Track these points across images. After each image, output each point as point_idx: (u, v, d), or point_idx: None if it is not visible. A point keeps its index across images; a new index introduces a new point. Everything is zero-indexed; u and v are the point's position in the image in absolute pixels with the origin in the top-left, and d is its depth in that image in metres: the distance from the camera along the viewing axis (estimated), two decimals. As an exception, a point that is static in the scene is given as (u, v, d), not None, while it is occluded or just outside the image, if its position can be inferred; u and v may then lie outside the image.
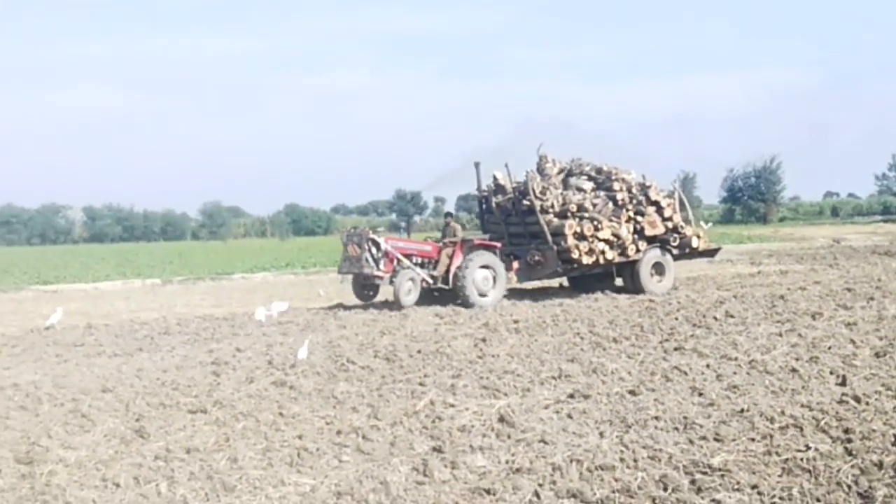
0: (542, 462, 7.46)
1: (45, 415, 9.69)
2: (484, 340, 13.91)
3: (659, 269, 21.83)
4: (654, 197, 22.04)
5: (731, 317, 15.63)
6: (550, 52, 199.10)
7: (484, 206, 22.86)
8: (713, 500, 6.49)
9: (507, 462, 7.54)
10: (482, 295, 19.80)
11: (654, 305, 18.16)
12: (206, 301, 23.67)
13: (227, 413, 9.46)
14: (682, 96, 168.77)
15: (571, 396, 9.71)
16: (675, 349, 12.53)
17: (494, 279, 20.12)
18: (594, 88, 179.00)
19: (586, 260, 20.79)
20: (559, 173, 22.46)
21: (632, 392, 9.84)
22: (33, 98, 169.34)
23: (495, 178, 22.30)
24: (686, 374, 10.77)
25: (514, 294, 21.73)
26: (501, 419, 8.80)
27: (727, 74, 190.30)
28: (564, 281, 23.39)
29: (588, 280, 22.13)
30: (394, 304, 19.43)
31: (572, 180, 22.29)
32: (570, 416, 8.90)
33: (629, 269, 21.65)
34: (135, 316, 20.20)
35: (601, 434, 8.26)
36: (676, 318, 15.82)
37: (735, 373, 10.80)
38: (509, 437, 8.27)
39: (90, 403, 10.07)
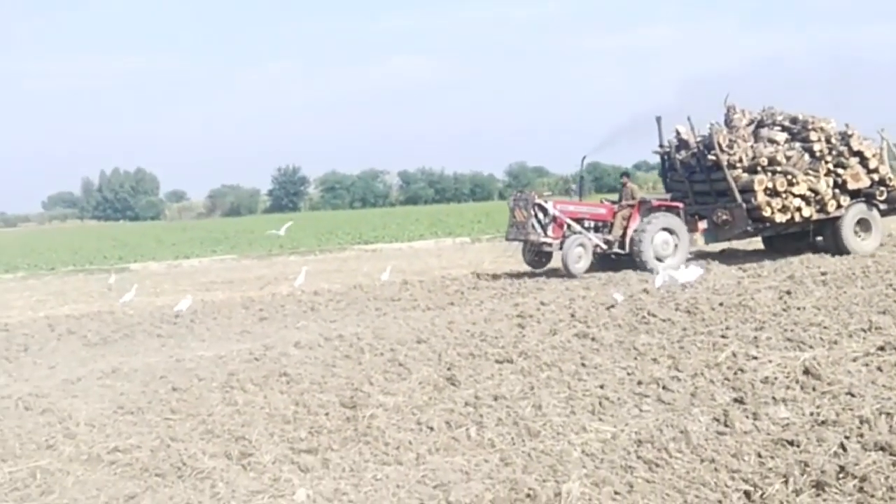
0: (848, 414, 7.25)
1: (367, 363, 10.46)
2: (789, 293, 13.44)
3: (864, 225, 19.91)
4: (856, 147, 19.87)
5: None
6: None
7: (666, 164, 21.30)
8: None
9: (811, 414, 7.41)
10: (661, 259, 18.62)
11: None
12: (512, 258, 24.39)
13: (531, 363, 9.83)
14: None
15: (882, 349, 9.24)
16: None
17: (676, 242, 19.02)
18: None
19: (779, 218, 19.19)
20: (748, 125, 20.69)
21: (952, 345, 9.28)
22: (353, 72, 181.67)
23: (678, 133, 20.78)
24: None
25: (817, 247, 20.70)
26: (806, 371, 8.57)
27: None
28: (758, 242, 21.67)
29: (783, 240, 20.48)
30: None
31: (763, 132, 20.39)
32: (879, 369, 8.53)
33: (830, 227, 19.86)
34: (446, 272, 21.24)
35: (914, 388, 7.90)
36: None
37: None
38: (814, 389, 8.07)
39: (406, 353, 10.77)
